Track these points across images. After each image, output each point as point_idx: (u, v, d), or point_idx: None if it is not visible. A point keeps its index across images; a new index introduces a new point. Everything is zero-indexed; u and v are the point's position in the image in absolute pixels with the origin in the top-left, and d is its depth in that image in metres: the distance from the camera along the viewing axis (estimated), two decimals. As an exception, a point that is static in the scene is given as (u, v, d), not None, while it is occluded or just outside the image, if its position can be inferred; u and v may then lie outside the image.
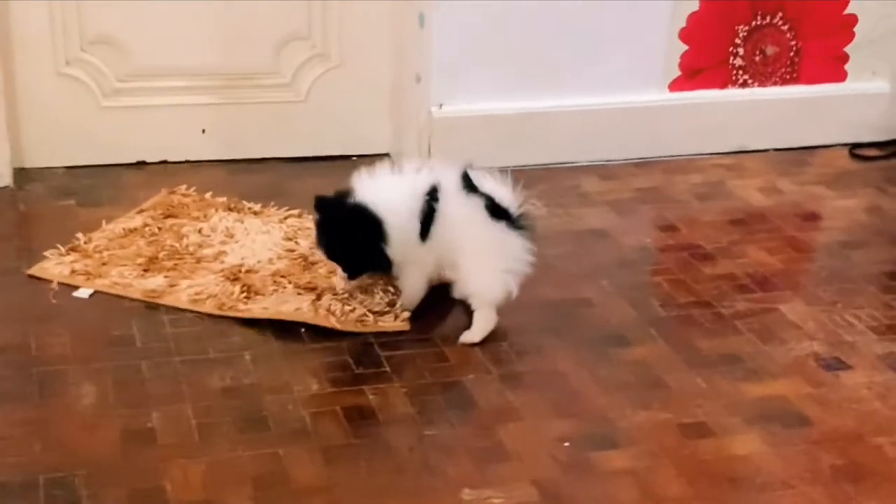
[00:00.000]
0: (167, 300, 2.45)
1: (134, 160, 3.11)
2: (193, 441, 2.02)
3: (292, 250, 2.65)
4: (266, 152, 3.17)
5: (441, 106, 3.12)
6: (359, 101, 3.20)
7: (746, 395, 2.21)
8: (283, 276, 2.53)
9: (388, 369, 2.25)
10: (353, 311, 2.40)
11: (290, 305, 2.41)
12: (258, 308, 2.42)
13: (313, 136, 3.19)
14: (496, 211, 2.31)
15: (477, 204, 2.30)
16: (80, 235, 2.67)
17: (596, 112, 3.22)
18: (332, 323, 2.36)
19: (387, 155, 3.24)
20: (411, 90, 3.11)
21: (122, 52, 3.01)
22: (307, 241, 2.65)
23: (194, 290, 2.48)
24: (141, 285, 2.49)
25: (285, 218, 2.81)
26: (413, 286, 2.41)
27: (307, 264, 2.58)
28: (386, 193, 2.33)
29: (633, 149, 3.28)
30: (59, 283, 2.50)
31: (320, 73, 3.16)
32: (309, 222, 2.68)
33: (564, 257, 2.72)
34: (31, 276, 2.52)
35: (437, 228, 2.32)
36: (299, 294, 2.46)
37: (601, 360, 2.31)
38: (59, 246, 2.62)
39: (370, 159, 3.17)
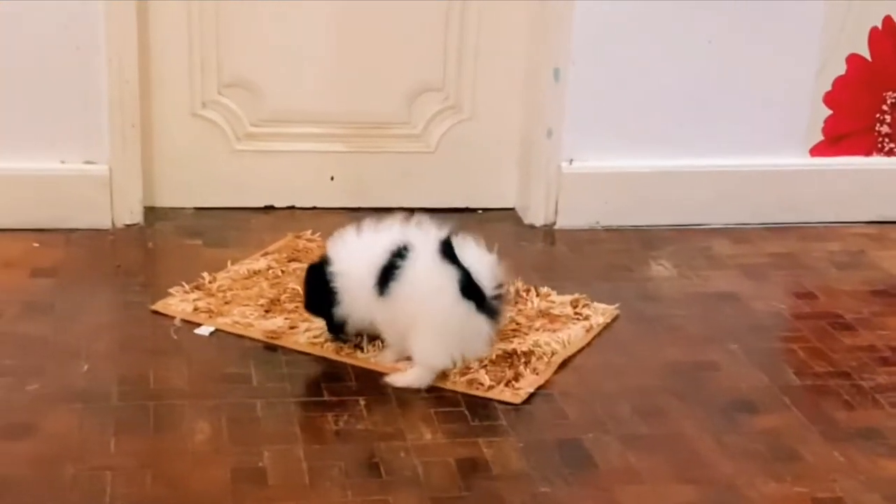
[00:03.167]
0: (286, 342, 2.44)
1: (262, 204, 3.13)
2: (303, 483, 1.98)
3: (413, 299, 2.61)
4: (392, 202, 3.14)
5: (571, 161, 3.08)
6: (488, 154, 3.17)
7: (886, 472, 2.08)
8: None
9: (504, 423, 2.18)
10: (465, 373, 2.33)
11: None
12: (375, 357, 2.38)
13: (440, 187, 3.17)
14: (468, 289, 2.21)
15: (450, 276, 2.22)
16: (205, 274, 2.68)
17: (731, 173, 3.14)
18: (445, 383, 2.30)
19: (512, 209, 3.20)
20: (542, 145, 3.07)
21: (258, 95, 3.05)
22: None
23: (313, 333, 2.45)
24: (261, 325, 2.48)
25: (408, 267, 2.78)
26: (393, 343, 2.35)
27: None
28: (346, 254, 2.32)
29: (769, 213, 3.18)
30: (182, 320, 2.51)
31: (451, 125, 3.15)
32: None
33: (692, 319, 2.63)
34: (155, 312, 2.53)
35: (397, 286, 2.24)
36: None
37: (728, 427, 2.21)
38: (183, 283, 2.63)
39: (496, 213, 3.19)
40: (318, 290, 2.35)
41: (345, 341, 2.40)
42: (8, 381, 2.23)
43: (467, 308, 2.23)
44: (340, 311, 2.33)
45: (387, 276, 2.26)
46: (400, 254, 2.26)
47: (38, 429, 2.08)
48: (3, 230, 2.87)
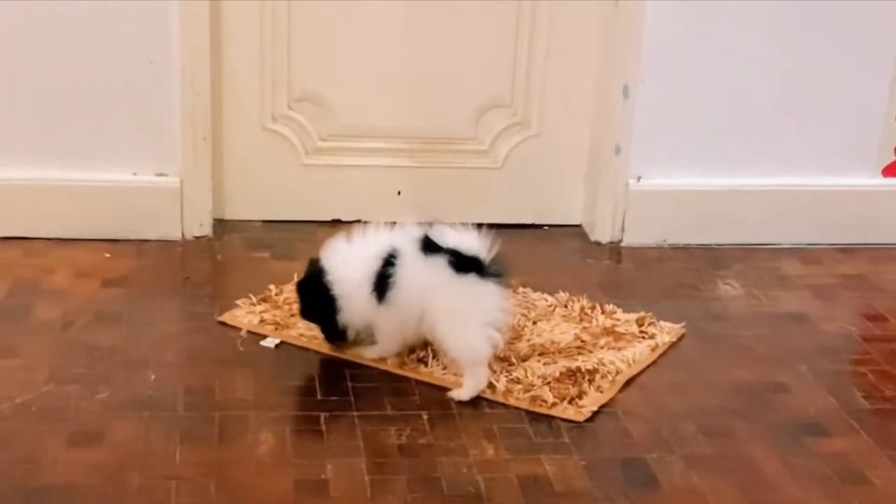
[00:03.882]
0: (350, 355, 2.45)
1: (329, 218, 3.15)
2: (365, 497, 1.99)
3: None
4: (458, 217, 3.10)
5: (639, 179, 3.06)
6: (555, 170, 3.17)
7: (957, 499, 2.04)
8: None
9: (567, 440, 2.17)
10: (529, 390, 2.32)
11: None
12: (438, 371, 2.39)
13: (506, 203, 3.17)
14: (462, 264, 2.23)
15: (439, 264, 2.24)
16: (271, 287, 2.71)
17: (801, 193, 3.10)
18: (508, 399, 2.30)
19: (578, 226, 3.19)
20: (609, 161, 3.06)
21: (327, 110, 3.07)
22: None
23: (377, 346, 2.47)
24: (326, 339, 2.50)
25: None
26: (384, 341, 2.39)
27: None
28: (340, 261, 2.35)
29: (839, 234, 3.13)
30: (248, 332, 2.53)
31: (518, 142, 3.15)
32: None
33: (760, 339, 2.60)
34: (222, 323, 2.56)
35: (397, 293, 2.28)
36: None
37: (796, 449, 2.17)
38: (250, 295, 2.66)
39: (562, 230, 3.18)
40: (318, 298, 2.37)
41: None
42: (77, 388, 2.26)
43: (470, 280, 2.24)
44: (341, 318, 2.36)
45: (382, 284, 2.28)
46: (390, 261, 2.28)
47: (106, 437, 2.11)
48: (76, 240, 2.92)
